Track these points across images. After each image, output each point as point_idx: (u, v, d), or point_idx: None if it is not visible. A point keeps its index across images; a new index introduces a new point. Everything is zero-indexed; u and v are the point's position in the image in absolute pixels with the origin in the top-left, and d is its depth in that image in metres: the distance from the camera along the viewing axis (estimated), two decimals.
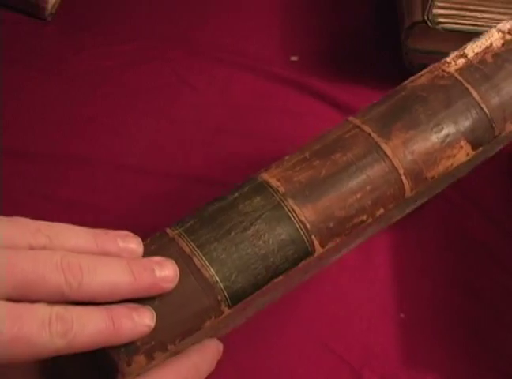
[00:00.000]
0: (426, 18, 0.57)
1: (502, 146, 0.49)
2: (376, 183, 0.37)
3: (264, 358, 0.53)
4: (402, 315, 0.55)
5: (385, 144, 0.37)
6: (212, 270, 0.34)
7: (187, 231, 0.35)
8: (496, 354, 0.54)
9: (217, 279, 0.34)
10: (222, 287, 0.34)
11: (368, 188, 0.37)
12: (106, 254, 0.33)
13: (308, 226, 0.35)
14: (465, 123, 0.38)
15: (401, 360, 0.53)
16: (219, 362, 0.52)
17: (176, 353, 0.34)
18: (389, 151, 0.37)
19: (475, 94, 0.39)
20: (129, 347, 0.32)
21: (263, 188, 0.36)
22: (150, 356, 0.33)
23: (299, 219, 0.35)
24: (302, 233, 0.35)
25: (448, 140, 0.38)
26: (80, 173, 0.59)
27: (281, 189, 0.36)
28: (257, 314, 0.52)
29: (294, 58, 0.67)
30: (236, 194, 0.36)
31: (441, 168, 0.38)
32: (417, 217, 0.59)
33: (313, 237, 0.35)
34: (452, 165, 0.38)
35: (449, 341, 0.54)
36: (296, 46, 0.68)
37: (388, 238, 0.58)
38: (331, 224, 0.36)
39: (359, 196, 0.36)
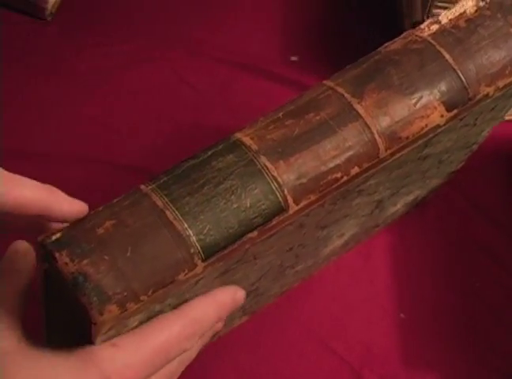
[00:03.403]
0: (426, 18, 0.57)
1: (490, 128, 0.49)
2: (349, 142, 0.37)
3: (264, 358, 0.53)
4: (402, 315, 0.55)
5: (358, 103, 0.38)
6: (184, 224, 0.34)
7: (161, 187, 0.35)
8: (496, 354, 0.54)
9: (190, 232, 0.34)
10: (195, 240, 0.34)
11: (341, 146, 0.37)
12: None
13: (280, 181, 0.36)
14: (438, 85, 0.39)
15: (401, 360, 0.53)
16: (219, 362, 0.52)
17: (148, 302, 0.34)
18: (361, 111, 0.38)
19: (447, 56, 0.39)
20: (102, 297, 0.32)
21: (236, 146, 0.36)
22: (122, 306, 0.33)
23: (272, 175, 0.36)
24: (274, 188, 0.36)
25: (421, 100, 0.38)
26: (80, 173, 0.59)
27: (254, 147, 0.36)
28: (257, 314, 0.53)
29: (294, 58, 0.67)
30: (210, 152, 0.36)
31: (415, 128, 0.38)
32: (417, 217, 0.59)
33: (286, 192, 0.36)
34: (427, 126, 0.39)
35: (449, 341, 0.54)
36: (296, 46, 0.68)
37: (388, 238, 0.58)
38: (304, 180, 0.36)
39: (332, 154, 0.37)
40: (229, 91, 0.65)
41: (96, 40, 0.67)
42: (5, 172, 0.34)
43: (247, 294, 0.45)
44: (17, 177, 0.35)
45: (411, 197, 0.53)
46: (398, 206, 0.52)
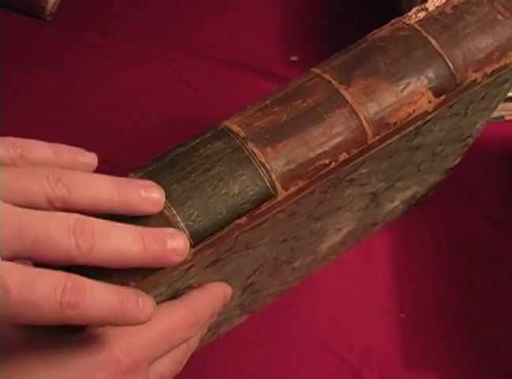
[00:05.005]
0: None
1: (483, 122, 0.49)
2: (337, 128, 0.37)
3: (264, 358, 0.53)
4: (402, 315, 0.55)
5: (346, 90, 0.38)
6: (173, 210, 0.34)
7: (148, 175, 0.35)
8: (496, 354, 0.54)
9: (178, 218, 0.34)
10: (183, 226, 0.34)
11: (329, 132, 0.37)
12: (127, 204, 0.34)
13: (268, 167, 0.36)
14: (425, 71, 0.39)
15: (401, 360, 0.53)
16: (219, 362, 0.52)
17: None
18: (349, 97, 0.38)
19: (434, 43, 0.40)
20: None
21: (224, 133, 0.36)
22: None
23: (260, 161, 0.36)
24: (262, 174, 0.36)
25: (409, 87, 0.39)
26: None
27: (242, 134, 0.36)
28: (257, 314, 0.53)
29: (294, 58, 0.67)
30: (198, 140, 0.36)
31: (403, 114, 0.38)
32: (417, 217, 0.59)
33: (274, 178, 0.36)
34: (414, 112, 0.39)
35: (449, 341, 0.54)
36: (296, 46, 0.68)
37: (388, 238, 0.58)
38: (292, 166, 0.36)
39: (320, 140, 0.37)
40: (229, 91, 0.65)
41: (96, 40, 0.67)
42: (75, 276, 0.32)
43: (244, 289, 0.45)
44: (84, 282, 0.31)
45: (408, 194, 0.53)
46: (396, 203, 0.52)
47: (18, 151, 0.34)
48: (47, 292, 0.30)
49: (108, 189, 0.33)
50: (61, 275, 0.31)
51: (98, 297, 0.32)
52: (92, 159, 0.36)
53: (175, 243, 0.33)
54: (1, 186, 0.32)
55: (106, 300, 0.32)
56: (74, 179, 0.33)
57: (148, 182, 0.34)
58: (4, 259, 0.30)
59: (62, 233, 0.31)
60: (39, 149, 0.35)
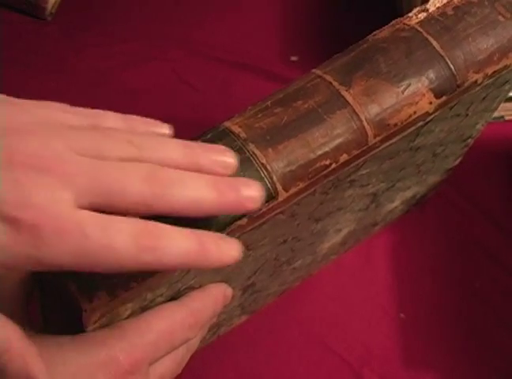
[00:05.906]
0: None
1: (483, 122, 0.49)
2: (338, 129, 0.37)
3: (264, 358, 0.53)
4: (402, 315, 0.55)
5: (346, 91, 0.38)
6: None
7: None
8: (496, 354, 0.54)
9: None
10: None
11: (330, 133, 0.37)
12: (198, 167, 0.33)
13: (269, 168, 0.36)
14: (426, 72, 0.39)
15: (401, 360, 0.53)
16: (219, 362, 0.52)
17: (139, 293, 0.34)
18: (350, 99, 0.38)
19: (435, 44, 0.40)
20: (91, 284, 0.32)
21: (225, 134, 0.36)
22: (112, 293, 0.33)
23: (260, 163, 0.36)
24: (263, 175, 0.36)
25: (409, 88, 0.39)
26: None
27: (243, 135, 0.36)
28: (257, 314, 0.53)
29: (294, 58, 0.67)
30: (199, 141, 0.36)
31: (403, 115, 0.39)
32: (417, 217, 0.59)
33: (275, 179, 0.36)
34: (415, 113, 0.39)
35: (449, 341, 0.54)
36: (296, 46, 0.68)
37: (388, 238, 0.58)
38: (293, 168, 0.36)
39: (320, 141, 0.37)
40: (229, 91, 0.65)
41: (96, 40, 0.67)
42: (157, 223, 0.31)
43: (244, 290, 0.45)
44: (161, 226, 0.31)
45: (409, 194, 0.53)
46: (396, 203, 0.52)
47: (89, 120, 0.34)
48: (125, 237, 0.30)
49: (178, 152, 0.33)
50: (137, 220, 0.31)
51: (175, 239, 0.31)
52: (166, 130, 0.35)
53: (249, 192, 0.33)
54: (75, 141, 0.31)
55: (184, 242, 0.31)
56: (145, 141, 0.33)
57: (221, 147, 0.34)
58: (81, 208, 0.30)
59: (137, 180, 0.31)
60: (111, 120, 0.35)
